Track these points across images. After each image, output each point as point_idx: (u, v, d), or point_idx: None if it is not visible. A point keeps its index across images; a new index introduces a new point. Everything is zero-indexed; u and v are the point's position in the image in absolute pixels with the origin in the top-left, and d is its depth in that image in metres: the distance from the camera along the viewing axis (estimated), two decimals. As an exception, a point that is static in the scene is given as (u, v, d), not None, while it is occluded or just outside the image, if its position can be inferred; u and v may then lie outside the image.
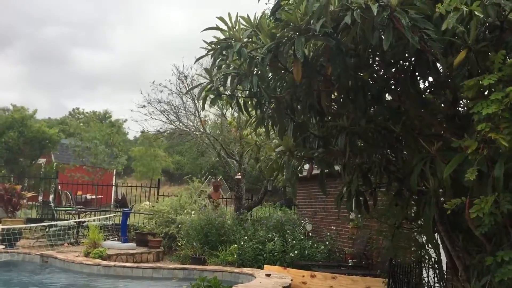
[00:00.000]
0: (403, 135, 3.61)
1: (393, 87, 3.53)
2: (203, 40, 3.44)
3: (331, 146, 3.64)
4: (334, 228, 11.11)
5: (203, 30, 3.39)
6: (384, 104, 3.54)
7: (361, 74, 3.34)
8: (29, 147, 18.36)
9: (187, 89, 14.55)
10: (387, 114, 3.57)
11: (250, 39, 3.32)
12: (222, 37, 3.40)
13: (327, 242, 10.70)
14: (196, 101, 14.13)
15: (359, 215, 8.52)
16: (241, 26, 3.37)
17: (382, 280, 7.12)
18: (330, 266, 9.35)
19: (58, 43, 75.87)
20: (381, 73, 3.54)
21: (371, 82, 3.42)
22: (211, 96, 3.57)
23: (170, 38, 75.42)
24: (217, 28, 3.40)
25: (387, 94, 3.59)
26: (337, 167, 4.05)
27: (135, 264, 10.12)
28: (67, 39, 78.47)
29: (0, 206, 13.24)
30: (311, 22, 2.90)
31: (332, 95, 3.61)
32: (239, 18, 3.38)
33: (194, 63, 12.68)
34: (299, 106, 3.55)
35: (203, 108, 13.37)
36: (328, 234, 11.04)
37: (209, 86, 3.54)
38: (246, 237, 10.62)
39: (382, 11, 2.67)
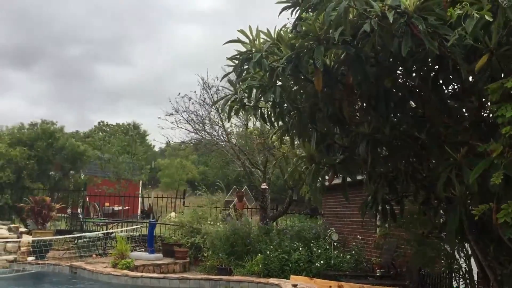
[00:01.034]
0: (428, 143, 3.56)
1: (416, 94, 3.49)
2: (226, 58, 3.48)
3: (354, 156, 3.62)
4: (360, 237, 10.97)
5: (225, 43, 3.43)
6: (408, 112, 3.50)
7: (383, 82, 3.32)
8: (60, 160, 18.78)
9: (211, 99, 14.71)
10: (411, 121, 3.53)
11: (271, 51, 3.35)
12: (243, 49, 3.44)
13: (353, 252, 10.57)
14: (220, 111, 14.25)
15: (385, 224, 8.43)
16: (261, 40, 3.40)
17: (411, 290, 6.99)
18: (357, 277, 9.22)
19: (81, 60, 78.30)
20: (403, 80, 3.51)
21: (393, 90, 3.39)
22: (236, 107, 3.61)
23: (189, 53, 77.29)
24: (238, 40, 3.43)
25: (410, 102, 3.55)
26: (361, 177, 4.02)
27: (162, 275, 10.19)
28: (90, 56, 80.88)
29: (30, 218, 13.54)
30: (330, 31, 2.90)
31: (354, 104, 3.59)
32: (259, 31, 3.41)
33: (221, 80, 12.90)
34: (320, 116, 3.55)
35: (229, 119, 13.47)
36: (355, 243, 10.91)
37: (233, 98, 3.58)
38: (271, 247, 10.58)
39: (399, 18, 2.66)
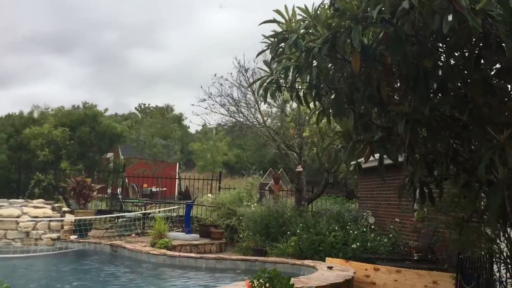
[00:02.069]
0: (470, 124, 3.43)
1: (458, 74, 3.36)
2: (262, 35, 3.44)
3: (392, 136, 3.53)
4: (398, 220, 10.83)
5: (260, 23, 3.37)
6: (450, 92, 3.38)
7: (423, 62, 3.21)
8: (100, 142, 19.29)
9: (247, 81, 14.67)
10: (453, 102, 3.41)
11: (308, 31, 3.28)
12: (279, 30, 3.38)
13: (390, 235, 10.45)
14: (256, 94, 14.22)
15: (423, 208, 8.27)
16: (299, 18, 3.33)
17: (450, 274, 6.87)
18: (394, 260, 9.12)
19: (117, 45, 79.83)
20: (445, 59, 3.38)
21: (434, 70, 3.28)
22: (271, 88, 3.57)
23: (222, 37, 77.37)
24: (274, 21, 3.37)
25: (452, 82, 3.43)
26: (400, 158, 3.93)
27: (199, 255, 10.39)
28: (125, 41, 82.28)
29: (73, 198, 14.01)
30: (368, 9, 2.82)
31: (393, 84, 3.49)
32: (296, 9, 3.34)
33: (256, 56, 12.82)
34: (358, 96, 3.47)
35: (265, 101, 13.46)
36: (392, 227, 10.77)
37: (269, 79, 3.54)
38: (306, 229, 10.59)
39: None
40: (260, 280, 4.99)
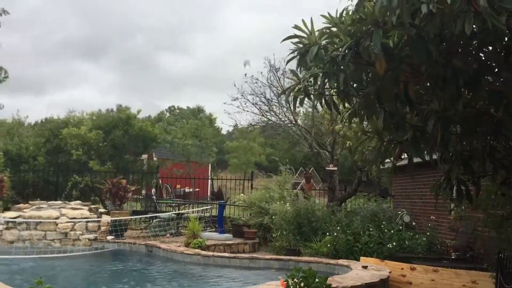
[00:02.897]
0: (505, 120, 3.34)
1: (490, 69, 3.27)
2: (290, 49, 3.51)
3: (425, 134, 3.47)
4: (434, 218, 10.61)
5: (282, 41, 3.46)
6: (483, 87, 3.30)
7: (452, 60, 3.14)
8: (133, 144, 19.64)
9: (278, 81, 14.72)
10: (486, 98, 3.32)
11: (331, 40, 3.29)
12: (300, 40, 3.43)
13: (427, 234, 10.25)
14: (285, 101, 14.23)
15: (460, 206, 8.07)
16: (322, 25, 3.36)
17: (489, 274, 6.69)
18: (431, 259, 8.94)
19: (145, 49, 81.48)
20: (475, 56, 3.29)
21: (464, 67, 3.20)
22: (300, 96, 3.60)
23: (247, 40, 78.35)
24: (295, 36, 3.44)
25: (485, 77, 3.34)
26: (434, 156, 3.86)
27: (233, 255, 10.44)
28: (153, 46, 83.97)
29: (108, 199, 14.33)
30: (388, 14, 2.80)
31: (421, 85, 3.44)
32: (316, 20, 3.38)
33: (286, 64, 12.89)
34: (387, 96, 3.43)
35: (294, 109, 13.48)
36: (428, 225, 10.56)
37: (297, 88, 3.56)
38: (339, 228, 10.50)
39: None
40: (295, 279, 4.97)
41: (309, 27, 3.40)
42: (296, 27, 3.44)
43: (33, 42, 67.57)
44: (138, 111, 21.48)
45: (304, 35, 3.40)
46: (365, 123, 4.07)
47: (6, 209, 13.65)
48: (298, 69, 3.49)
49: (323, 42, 3.28)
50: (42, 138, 19.71)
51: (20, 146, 19.43)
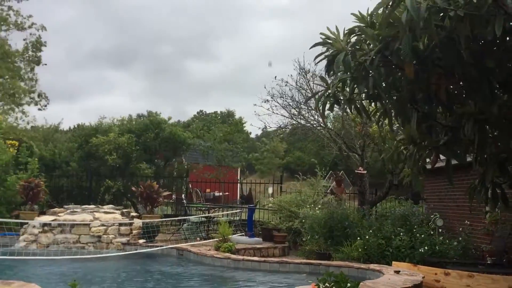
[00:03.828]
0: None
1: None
2: (317, 57, 3.52)
3: (459, 137, 3.40)
4: (468, 223, 10.35)
5: (311, 47, 3.48)
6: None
7: (484, 62, 3.07)
8: (164, 148, 19.91)
9: (308, 84, 14.68)
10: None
11: (357, 47, 3.28)
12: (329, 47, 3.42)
13: (460, 238, 10.01)
14: (314, 107, 14.19)
15: (496, 209, 7.86)
16: (352, 25, 3.35)
17: (528, 280, 6.48)
18: (465, 264, 8.73)
19: (172, 57, 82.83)
20: (507, 57, 3.21)
21: (497, 68, 3.12)
22: (329, 103, 3.59)
23: (272, 46, 79.56)
24: (322, 43, 3.44)
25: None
26: (468, 158, 3.77)
27: (262, 258, 10.44)
28: (180, 53, 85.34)
29: (140, 203, 14.54)
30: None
31: (453, 87, 3.37)
32: (351, 16, 3.35)
33: (315, 64, 12.91)
34: (420, 96, 3.38)
35: (323, 116, 13.42)
36: (461, 229, 10.32)
37: (326, 94, 3.55)
38: (370, 232, 10.37)
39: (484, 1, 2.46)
40: (326, 284, 4.93)
41: (336, 34, 3.40)
42: (323, 34, 3.44)
43: (66, 52, 69.62)
44: (169, 118, 21.82)
45: (331, 41, 3.39)
46: (396, 124, 4.02)
47: (42, 213, 14.01)
48: (327, 75, 3.49)
49: (349, 49, 3.27)
50: (75, 144, 20.19)
51: (54, 152, 19.95)
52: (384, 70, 3.23)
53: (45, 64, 25.68)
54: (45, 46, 25.18)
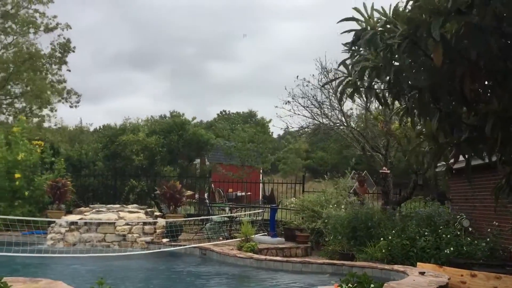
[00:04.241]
0: None
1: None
2: (341, 41, 3.41)
3: (483, 135, 3.32)
4: (496, 223, 10.13)
5: (339, 21, 3.28)
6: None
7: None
8: (187, 149, 20.10)
9: (330, 84, 14.55)
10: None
11: (386, 27, 3.18)
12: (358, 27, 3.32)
13: (487, 239, 9.80)
14: (334, 94, 14.05)
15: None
16: (375, 18, 3.27)
17: (558, 282, 6.31)
18: (493, 265, 8.54)
19: (194, 58, 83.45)
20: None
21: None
22: (349, 90, 3.52)
23: (292, 47, 79.23)
24: (352, 18, 3.30)
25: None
26: (494, 158, 3.69)
27: (285, 258, 10.42)
28: (201, 54, 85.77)
29: (164, 203, 14.70)
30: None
31: (478, 81, 3.29)
32: (373, 11, 3.27)
33: (338, 65, 12.85)
34: (442, 94, 3.30)
35: (340, 102, 13.31)
36: (489, 230, 10.10)
37: (346, 80, 3.49)
38: (394, 232, 10.24)
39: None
40: (349, 285, 4.89)
41: (369, 12, 3.29)
42: (356, 9, 3.31)
43: (90, 55, 70.85)
44: (193, 118, 22.05)
45: (362, 18, 3.29)
46: (420, 124, 3.95)
47: (68, 212, 14.31)
48: (349, 58, 3.40)
49: (379, 29, 3.17)
50: (100, 144, 20.53)
51: (80, 152, 20.35)
52: (410, 57, 3.15)
53: (69, 71, 26.30)
54: (73, 51, 25.80)
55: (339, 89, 3.55)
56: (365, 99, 12.85)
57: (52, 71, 25.70)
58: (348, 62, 3.50)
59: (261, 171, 30.18)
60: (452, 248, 9.48)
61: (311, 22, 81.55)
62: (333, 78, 14.05)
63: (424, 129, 3.55)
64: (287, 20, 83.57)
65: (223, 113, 59.87)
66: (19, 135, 15.78)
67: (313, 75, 15.31)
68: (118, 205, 14.44)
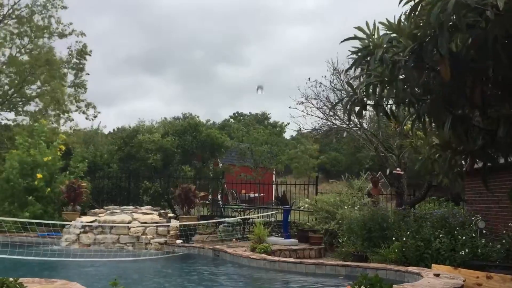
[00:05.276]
0: None
1: None
2: (349, 50, 3.42)
3: (496, 139, 3.29)
4: None
5: (342, 41, 3.37)
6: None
7: None
8: (201, 150, 20.17)
9: (342, 84, 14.54)
10: None
11: (391, 44, 3.19)
12: (360, 44, 3.34)
13: (504, 241, 9.67)
14: (343, 105, 14.03)
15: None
16: (380, 33, 3.27)
17: None
18: (509, 267, 8.43)
19: (204, 61, 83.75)
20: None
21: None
22: (356, 107, 3.53)
23: (300, 49, 79.18)
24: (355, 38, 3.35)
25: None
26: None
27: (298, 260, 10.39)
28: (211, 58, 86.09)
29: (178, 204, 14.76)
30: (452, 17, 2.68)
31: (489, 90, 3.25)
32: (377, 24, 3.28)
33: (345, 72, 12.85)
34: (454, 99, 3.28)
35: (349, 121, 13.25)
36: (505, 231, 9.96)
37: (353, 99, 3.49)
38: (408, 234, 10.16)
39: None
40: (362, 287, 4.88)
41: (371, 29, 3.33)
42: (358, 28, 3.36)
43: (102, 59, 71.65)
44: (207, 121, 22.17)
45: (365, 36, 3.32)
46: (430, 127, 3.92)
47: (83, 214, 14.45)
48: (354, 70, 3.41)
49: (385, 46, 3.19)
50: (115, 146, 20.69)
51: (95, 154, 20.53)
52: (417, 72, 3.15)
53: (88, 74, 26.53)
54: (90, 55, 26.03)
55: (347, 107, 3.55)
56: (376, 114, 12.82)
57: (70, 78, 25.99)
58: (352, 81, 3.52)
59: (274, 172, 30.18)
60: (467, 250, 9.37)
61: (319, 24, 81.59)
62: (346, 78, 14.05)
63: (436, 139, 3.52)
64: (295, 22, 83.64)
65: (236, 113, 60.03)
66: (38, 138, 16.23)
67: (325, 76, 15.27)
68: (132, 207, 14.54)
